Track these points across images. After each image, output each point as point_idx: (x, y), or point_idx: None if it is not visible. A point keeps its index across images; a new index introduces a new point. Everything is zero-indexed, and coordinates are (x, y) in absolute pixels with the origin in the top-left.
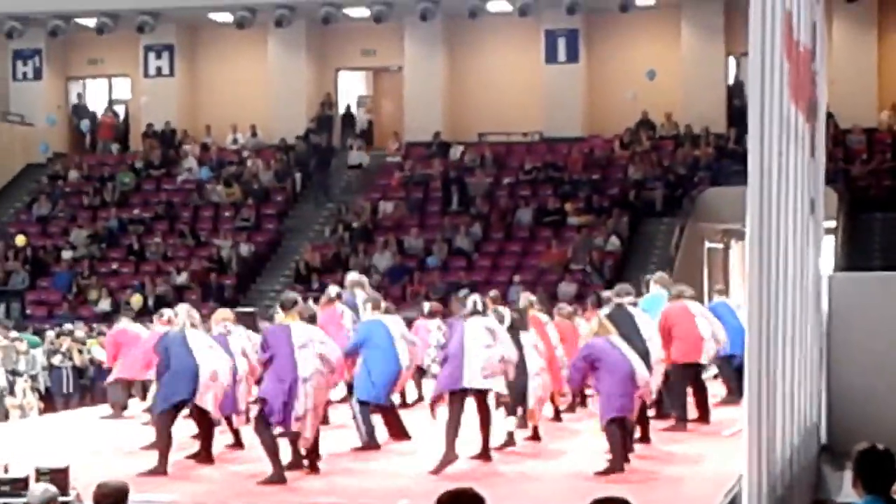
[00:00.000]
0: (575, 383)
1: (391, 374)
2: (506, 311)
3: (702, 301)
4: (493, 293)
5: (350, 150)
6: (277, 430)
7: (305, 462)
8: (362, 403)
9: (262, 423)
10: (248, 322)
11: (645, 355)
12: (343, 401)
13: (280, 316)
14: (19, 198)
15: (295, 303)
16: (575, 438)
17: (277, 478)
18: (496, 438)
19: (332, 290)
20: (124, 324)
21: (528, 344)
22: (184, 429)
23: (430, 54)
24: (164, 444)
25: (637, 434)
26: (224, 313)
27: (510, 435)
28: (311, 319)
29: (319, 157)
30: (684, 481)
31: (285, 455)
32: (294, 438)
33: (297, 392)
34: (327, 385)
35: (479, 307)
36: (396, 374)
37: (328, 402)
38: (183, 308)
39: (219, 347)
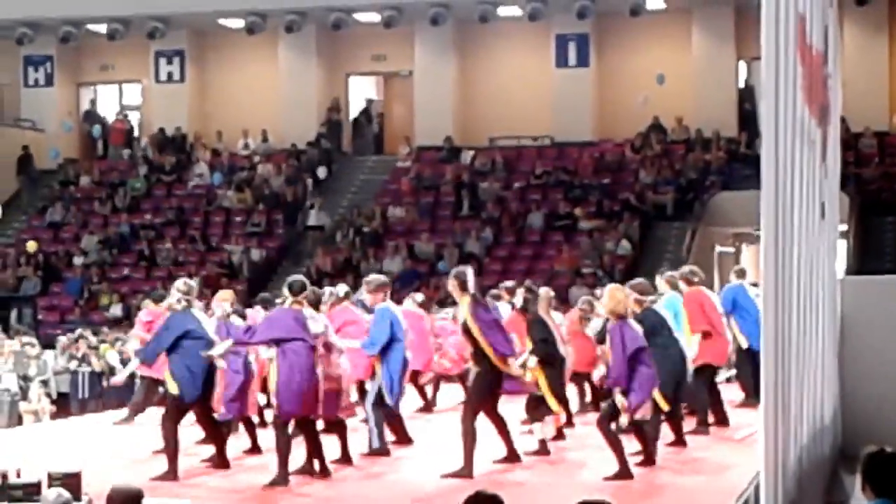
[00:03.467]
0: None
1: (404, 372)
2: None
3: None
4: (507, 283)
5: (311, 208)
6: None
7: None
8: (376, 407)
9: (282, 422)
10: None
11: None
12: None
13: (289, 300)
14: (31, 204)
15: (303, 287)
16: (595, 443)
17: (282, 480)
18: (524, 443)
19: (341, 288)
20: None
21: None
22: (190, 434)
23: (440, 59)
24: (172, 448)
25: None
26: (224, 294)
27: (543, 444)
28: (316, 304)
29: (288, 212)
30: (696, 485)
31: (298, 459)
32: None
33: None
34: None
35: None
36: (405, 370)
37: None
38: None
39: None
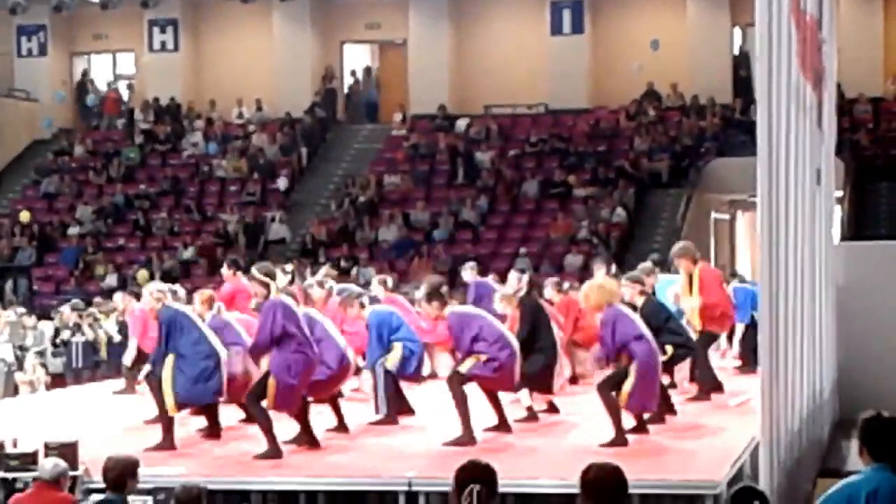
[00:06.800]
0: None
1: (419, 345)
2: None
3: None
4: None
5: (272, 221)
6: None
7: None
8: (386, 371)
9: (255, 398)
10: None
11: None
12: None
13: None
14: (25, 174)
15: (273, 274)
16: (588, 411)
17: (274, 452)
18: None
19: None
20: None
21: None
22: None
23: (434, 27)
24: (167, 418)
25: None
26: (207, 294)
27: (530, 410)
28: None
29: (249, 231)
30: (691, 451)
31: (288, 430)
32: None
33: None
34: None
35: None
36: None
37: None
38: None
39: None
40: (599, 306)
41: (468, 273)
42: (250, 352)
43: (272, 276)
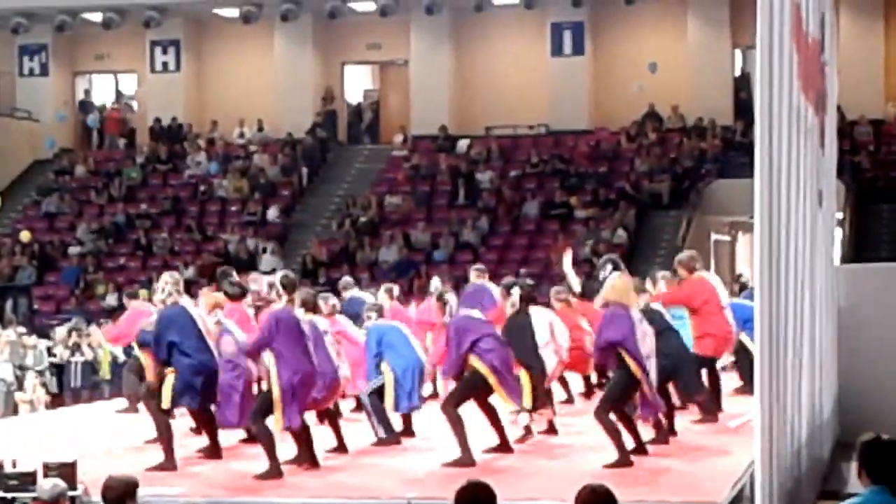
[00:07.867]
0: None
1: (418, 371)
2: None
3: None
4: (479, 266)
5: (264, 252)
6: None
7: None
8: (374, 396)
9: (259, 416)
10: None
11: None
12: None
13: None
14: (27, 193)
15: (295, 285)
16: (588, 432)
17: (274, 472)
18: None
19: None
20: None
21: (543, 324)
22: (184, 422)
23: (435, 48)
24: (167, 437)
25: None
26: (216, 297)
27: (527, 429)
28: (314, 308)
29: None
30: (691, 472)
31: (290, 450)
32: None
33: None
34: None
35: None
36: (422, 369)
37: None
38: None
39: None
40: (606, 304)
41: (473, 275)
42: (246, 353)
43: (289, 288)
